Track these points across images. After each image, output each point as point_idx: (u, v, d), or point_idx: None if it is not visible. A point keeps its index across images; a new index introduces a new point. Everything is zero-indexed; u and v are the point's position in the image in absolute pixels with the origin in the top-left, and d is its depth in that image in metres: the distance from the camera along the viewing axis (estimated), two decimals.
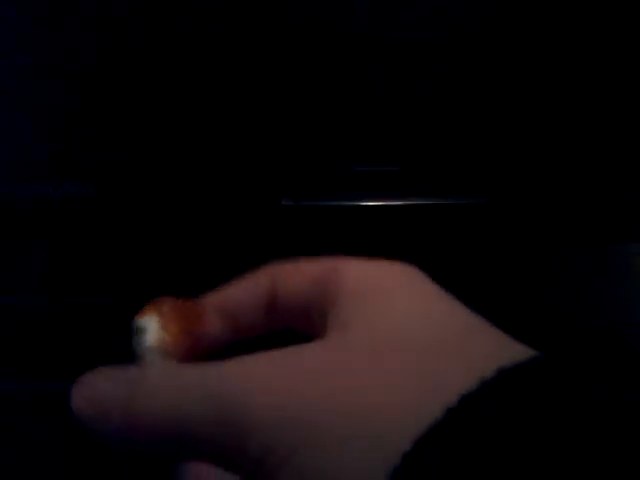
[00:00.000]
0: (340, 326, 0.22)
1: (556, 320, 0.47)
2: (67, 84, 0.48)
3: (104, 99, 0.48)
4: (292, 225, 0.49)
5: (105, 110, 0.48)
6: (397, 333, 0.21)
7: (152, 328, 0.24)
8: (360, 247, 0.52)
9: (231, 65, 0.48)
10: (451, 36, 0.48)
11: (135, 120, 0.48)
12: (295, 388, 0.20)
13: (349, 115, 0.49)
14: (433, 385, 0.19)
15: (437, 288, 0.23)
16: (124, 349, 0.26)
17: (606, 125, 0.49)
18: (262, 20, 0.47)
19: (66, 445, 0.40)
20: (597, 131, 0.49)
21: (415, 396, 0.19)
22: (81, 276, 0.49)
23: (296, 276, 0.25)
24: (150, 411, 0.21)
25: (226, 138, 0.49)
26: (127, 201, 0.49)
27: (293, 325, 0.26)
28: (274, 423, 0.20)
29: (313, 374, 0.20)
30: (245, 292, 0.26)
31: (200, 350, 0.25)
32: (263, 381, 0.20)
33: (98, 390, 0.23)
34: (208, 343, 0.26)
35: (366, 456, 0.18)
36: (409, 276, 0.24)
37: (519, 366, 0.19)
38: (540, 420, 0.18)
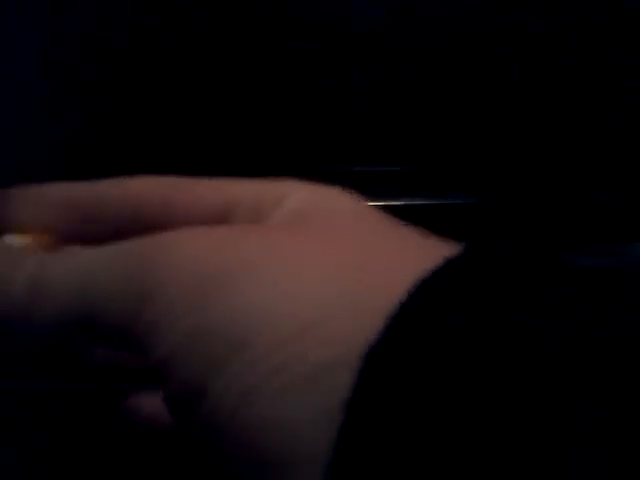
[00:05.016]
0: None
1: None
2: (67, 84, 0.48)
3: (104, 99, 0.48)
4: None
5: (105, 110, 0.48)
6: (344, 228, 0.21)
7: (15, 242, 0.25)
8: None
9: (231, 65, 0.48)
10: (451, 37, 0.48)
11: (135, 120, 0.48)
12: (211, 250, 0.19)
13: (349, 115, 0.49)
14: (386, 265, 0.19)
15: (370, 207, 0.24)
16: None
17: (606, 125, 0.49)
18: (263, 20, 0.47)
19: (66, 445, 0.40)
20: (597, 132, 0.49)
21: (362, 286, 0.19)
22: None
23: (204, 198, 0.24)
24: (59, 285, 0.20)
25: (226, 138, 0.49)
26: None
27: None
28: (176, 281, 0.19)
29: (231, 240, 0.20)
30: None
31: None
32: (179, 244, 0.20)
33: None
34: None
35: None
36: (348, 197, 0.24)
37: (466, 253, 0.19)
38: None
